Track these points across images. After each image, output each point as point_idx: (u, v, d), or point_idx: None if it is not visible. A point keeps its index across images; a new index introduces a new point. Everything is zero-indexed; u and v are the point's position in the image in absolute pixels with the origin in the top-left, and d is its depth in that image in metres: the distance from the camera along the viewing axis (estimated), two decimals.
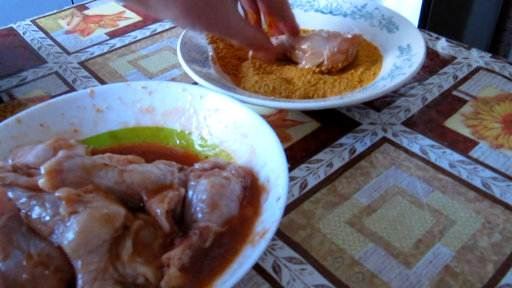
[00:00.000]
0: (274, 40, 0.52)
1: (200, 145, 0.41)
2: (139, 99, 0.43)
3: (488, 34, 1.66)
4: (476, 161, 0.42)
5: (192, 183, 0.33)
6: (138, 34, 0.66)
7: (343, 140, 0.45)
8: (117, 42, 0.64)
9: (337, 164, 0.42)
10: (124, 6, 0.65)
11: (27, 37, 0.67)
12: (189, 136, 0.41)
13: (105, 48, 0.63)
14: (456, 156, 0.42)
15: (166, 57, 0.60)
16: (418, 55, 0.47)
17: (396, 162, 0.42)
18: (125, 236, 0.29)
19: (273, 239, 0.36)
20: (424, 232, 0.36)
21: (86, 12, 0.74)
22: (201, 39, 0.54)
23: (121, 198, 0.31)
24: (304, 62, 0.50)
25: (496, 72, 0.53)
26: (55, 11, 0.74)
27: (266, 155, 0.35)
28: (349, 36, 0.50)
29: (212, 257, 0.30)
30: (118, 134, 0.42)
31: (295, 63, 0.51)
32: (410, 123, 0.46)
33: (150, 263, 0.29)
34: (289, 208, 0.38)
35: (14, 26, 0.70)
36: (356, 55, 0.53)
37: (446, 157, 0.42)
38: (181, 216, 0.33)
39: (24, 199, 0.30)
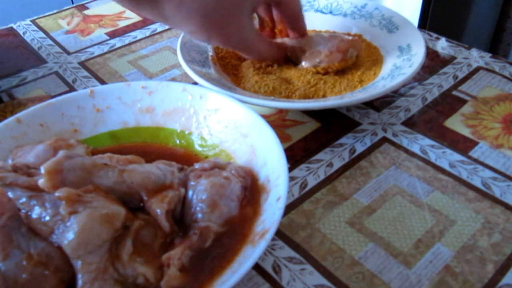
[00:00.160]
0: (277, 40, 0.52)
1: (200, 145, 0.41)
2: (139, 99, 0.43)
3: (488, 34, 1.66)
4: (476, 161, 0.42)
5: (192, 183, 0.33)
6: (138, 34, 0.66)
7: (343, 140, 0.45)
8: (117, 42, 0.64)
9: (337, 164, 0.42)
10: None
11: (27, 37, 0.67)
12: (189, 136, 0.41)
13: (105, 48, 0.63)
14: (456, 156, 0.42)
15: (166, 57, 0.60)
16: (418, 55, 0.47)
17: (396, 162, 0.42)
18: (125, 236, 0.29)
19: (273, 239, 0.36)
20: (424, 232, 0.36)
21: (86, 12, 0.74)
22: None
23: (121, 198, 0.31)
24: (303, 63, 0.50)
25: (496, 72, 0.53)
26: (55, 11, 0.74)
27: (266, 155, 0.35)
28: (349, 38, 0.50)
29: (212, 257, 0.30)
30: (118, 134, 0.42)
31: (295, 63, 0.51)
32: (410, 123, 0.46)
33: (150, 263, 0.29)
34: (289, 208, 0.38)
35: (14, 26, 0.70)
36: (356, 55, 0.53)
37: (446, 157, 0.42)
38: (181, 216, 0.33)
39: (24, 199, 0.30)
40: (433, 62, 0.55)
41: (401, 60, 0.48)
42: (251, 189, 0.34)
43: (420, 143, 0.44)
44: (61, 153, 0.31)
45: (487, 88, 0.51)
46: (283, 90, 0.47)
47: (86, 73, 0.58)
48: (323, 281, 0.33)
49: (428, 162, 0.42)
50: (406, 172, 0.41)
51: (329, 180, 0.41)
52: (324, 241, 0.35)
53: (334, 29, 0.57)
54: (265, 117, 0.42)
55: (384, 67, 0.49)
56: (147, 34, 0.66)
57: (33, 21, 0.71)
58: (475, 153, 0.42)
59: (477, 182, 0.39)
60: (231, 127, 0.39)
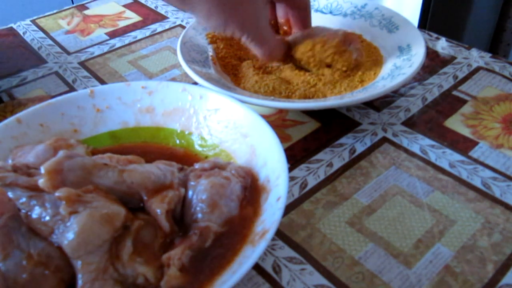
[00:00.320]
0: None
1: (200, 145, 0.41)
2: (139, 99, 0.43)
3: (488, 34, 1.66)
4: (476, 161, 0.42)
5: (192, 183, 0.33)
6: (138, 34, 0.66)
7: (343, 140, 0.45)
8: (117, 42, 0.64)
9: (337, 164, 0.42)
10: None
11: (27, 37, 0.67)
12: (189, 136, 0.41)
13: (105, 48, 0.63)
14: (456, 156, 0.42)
15: (166, 57, 0.60)
16: (418, 55, 0.46)
17: (396, 162, 0.42)
18: (125, 236, 0.29)
19: (273, 239, 0.36)
20: (424, 232, 0.36)
21: (86, 12, 0.74)
22: (201, 39, 0.54)
23: (121, 198, 0.31)
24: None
25: (496, 72, 0.53)
26: (55, 11, 0.74)
27: (266, 155, 0.35)
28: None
29: (212, 257, 0.30)
30: (118, 134, 0.42)
31: (297, 66, 0.51)
32: (410, 123, 0.46)
33: (150, 263, 0.29)
34: (289, 208, 0.38)
35: (14, 26, 0.70)
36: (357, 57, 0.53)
37: (446, 157, 0.42)
38: (181, 216, 0.33)
39: (24, 199, 0.30)
40: (433, 62, 0.55)
41: (401, 60, 0.48)
42: (251, 189, 0.34)
43: (420, 143, 0.44)
44: (61, 153, 0.31)
45: (487, 88, 0.51)
46: (283, 90, 0.47)
47: (86, 73, 0.58)
48: (323, 281, 0.33)
49: (428, 162, 0.42)
50: (406, 172, 0.41)
51: (329, 180, 0.41)
52: (324, 241, 0.35)
53: None
54: (265, 117, 0.42)
55: (384, 67, 0.49)
56: (147, 34, 0.66)
57: (33, 21, 0.71)
58: (475, 153, 0.42)
59: (477, 182, 0.39)
60: (231, 127, 0.39)
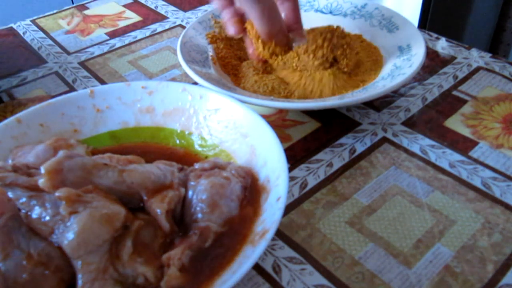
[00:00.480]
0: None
1: (200, 145, 0.41)
2: (139, 99, 0.43)
3: (488, 34, 1.66)
4: (476, 161, 0.42)
5: (192, 183, 0.33)
6: (138, 34, 0.66)
7: (343, 140, 0.45)
8: (117, 42, 0.64)
9: (337, 164, 0.42)
10: None
11: (27, 37, 0.67)
12: (189, 136, 0.41)
13: (105, 48, 0.63)
14: (456, 156, 0.42)
15: (166, 57, 0.60)
16: (418, 55, 0.46)
17: (396, 162, 0.42)
18: (125, 236, 0.29)
19: (273, 239, 0.36)
20: (424, 232, 0.36)
21: (86, 12, 0.74)
22: (201, 39, 0.54)
23: (121, 198, 0.31)
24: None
25: (496, 72, 0.53)
26: (55, 11, 0.74)
27: (266, 155, 0.35)
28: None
29: (212, 257, 0.30)
30: (118, 134, 0.42)
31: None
32: (410, 123, 0.46)
33: (150, 263, 0.29)
34: (289, 208, 0.38)
35: (14, 26, 0.70)
36: (356, 56, 0.53)
37: (446, 157, 0.42)
38: (181, 216, 0.33)
39: (24, 199, 0.30)
40: (433, 62, 0.55)
41: (401, 60, 0.48)
42: (251, 189, 0.34)
43: (420, 143, 0.44)
44: (61, 153, 0.31)
45: (487, 88, 0.51)
46: (282, 90, 0.47)
47: (86, 73, 0.58)
48: (323, 281, 0.33)
49: (428, 162, 0.42)
50: (406, 172, 0.41)
51: (329, 180, 0.41)
52: (324, 241, 0.35)
53: None
54: (265, 117, 0.42)
55: (384, 67, 0.49)
56: (147, 34, 0.66)
57: (33, 21, 0.71)
58: (475, 153, 0.42)
59: (477, 182, 0.39)
60: (231, 127, 0.39)
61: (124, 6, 0.75)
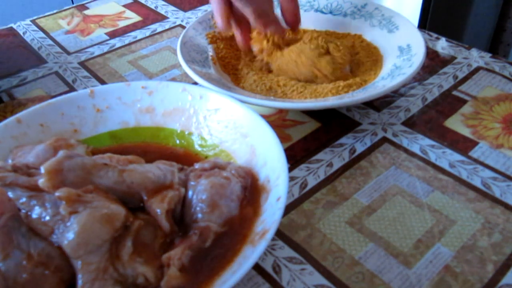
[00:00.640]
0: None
1: (200, 145, 0.41)
2: (139, 99, 0.43)
3: (488, 34, 1.66)
4: (476, 161, 0.42)
5: (192, 183, 0.33)
6: (138, 34, 0.66)
7: (343, 140, 0.45)
8: (117, 42, 0.64)
9: (337, 164, 0.42)
10: None
11: (27, 37, 0.67)
12: (189, 136, 0.41)
13: (105, 48, 0.63)
14: (456, 156, 0.42)
15: (166, 57, 0.60)
16: (418, 55, 0.46)
17: (396, 162, 0.42)
18: (125, 236, 0.29)
19: (273, 239, 0.36)
20: (424, 232, 0.36)
21: (86, 12, 0.74)
22: (201, 39, 0.54)
23: (121, 198, 0.31)
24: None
25: (496, 72, 0.53)
26: (55, 11, 0.74)
27: (266, 155, 0.35)
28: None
29: (212, 257, 0.30)
30: (118, 134, 0.42)
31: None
32: (410, 123, 0.46)
33: (150, 263, 0.29)
34: (289, 208, 0.38)
35: (14, 26, 0.70)
36: (356, 56, 0.53)
37: (446, 157, 0.42)
38: (181, 216, 0.33)
39: (24, 199, 0.30)
40: (433, 62, 0.55)
41: (401, 60, 0.48)
42: (251, 189, 0.34)
43: (420, 143, 0.44)
44: (61, 153, 0.31)
45: (487, 88, 0.51)
46: (279, 89, 0.47)
47: (86, 73, 0.58)
48: (323, 281, 0.33)
49: (428, 162, 0.42)
50: (406, 172, 0.41)
51: (329, 180, 0.41)
52: (324, 241, 0.35)
53: (334, 29, 0.57)
54: (265, 117, 0.42)
55: (384, 67, 0.49)
56: (147, 34, 0.66)
57: (33, 21, 0.71)
58: (475, 153, 0.42)
59: (477, 182, 0.39)
60: (231, 127, 0.39)
61: (124, 6, 0.75)
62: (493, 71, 0.53)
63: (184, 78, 0.55)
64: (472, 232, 0.35)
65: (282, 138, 0.45)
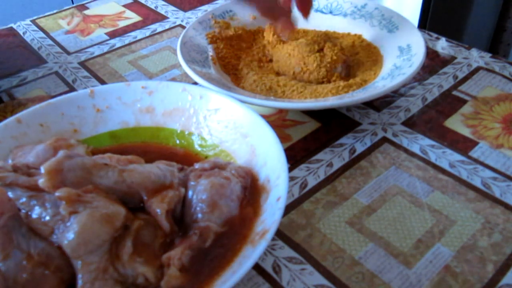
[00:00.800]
0: None
1: (200, 145, 0.41)
2: (139, 99, 0.43)
3: (488, 34, 1.66)
4: (476, 161, 0.42)
5: (192, 183, 0.33)
6: (138, 34, 0.66)
7: (343, 140, 0.45)
8: (117, 42, 0.64)
9: (337, 164, 0.42)
10: None
11: (27, 37, 0.67)
12: (189, 136, 0.41)
13: (105, 48, 0.63)
14: (456, 156, 0.42)
15: (166, 57, 0.60)
16: (418, 55, 0.46)
17: (396, 162, 0.42)
18: (125, 236, 0.29)
19: (273, 239, 0.36)
20: (424, 232, 0.36)
21: (86, 12, 0.74)
22: (201, 39, 0.54)
23: (121, 198, 0.31)
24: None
25: (496, 72, 0.53)
26: (55, 11, 0.74)
27: (266, 155, 0.35)
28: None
29: (212, 257, 0.30)
30: (118, 134, 0.42)
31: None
32: (410, 123, 0.46)
33: (150, 263, 0.29)
34: (289, 208, 0.38)
35: (14, 26, 0.70)
36: (356, 56, 0.53)
37: (446, 157, 0.42)
38: (181, 216, 0.33)
39: (24, 199, 0.30)
40: (433, 62, 0.55)
41: (401, 60, 0.48)
42: (251, 189, 0.34)
43: (420, 143, 0.44)
44: (61, 153, 0.31)
45: (487, 88, 0.51)
46: (279, 89, 0.47)
47: (86, 73, 0.58)
48: (323, 281, 0.33)
49: (428, 162, 0.42)
50: (406, 172, 0.41)
51: (329, 180, 0.41)
52: (324, 241, 0.35)
53: (334, 29, 0.57)
54: (265, 117, 0.42)
55: (384, 67, 0.49)
56: (147, 34, 0.66)
57: (33, 21, 0.71)
58: (475, 153, 0.42)
59: (477, 182, 0.39)
60: (231, 127, 0.39)
61: (124, 6, 0.75)
62: (493, 71, 0.53)
63: (184, 78, 0.55)
64: (472, 232, 0.35)
65: (282, 138, 0.45)
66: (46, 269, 0.28)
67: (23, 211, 0.29)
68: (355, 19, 0.57)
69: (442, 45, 0.58)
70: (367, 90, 0.45)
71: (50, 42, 0.65)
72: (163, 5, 0.74)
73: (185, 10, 0.72)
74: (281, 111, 0.49)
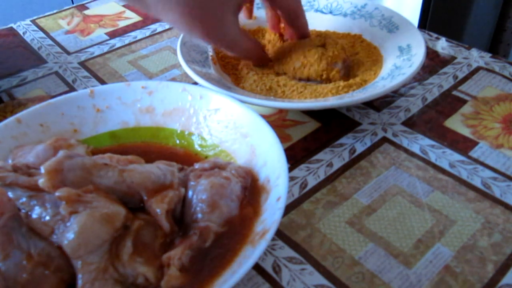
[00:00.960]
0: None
1: (200, 145, 0.41)
2: (139, 99, 0.43)
3: (488, 34, 1.66)
4: (476, 161, 0.42)
5: (192, 183, 0.33)
6: (138, 34, 0.66)
7: (343, 140, 0.45)
8: (117, 42, 0.64)
9: (337, 164, 0.42)
10: (125, 6, 0.65)
11: (27, 37, 0.67)
12: (189, 136, 0.41)
13: (105, 48, 0.63)
14: (456, 156, 0.42)
15: (166, 57, 0.60)
16: (418, 55, 0.47)
17: (396, 162, 0.42)
18: (125, 236, 0.29)
19: (273, 239, 0.36)
20: (424, 232, 0.36)
21: (86, 12, 0.74)
22: None
23: (121, 198, 0.31)
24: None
25: (496, 72, 0.53)
26: (55, 11, 0.74)
27: (266, 155, 0.35)
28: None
29: (212, 257, 0.30)
30: (118, 134, 0.42)
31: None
32: (410, 123, 0.46)
33: (150, 263, 0.29)
34: (289, 208, 0.38)
35: (14, 26, 0.70)
36: (356, 56, 0.53)
37: (446, 157, 0.42)
38: (181, 216, 0.33)
39: (24, 199, 0.30)
40: (433, 62, 0.55)
41: (401, 60, 0.48)
42: (251, 189, 0.34)
43: (420, 143, 0.44)
44: (61, 153, 0.31)
45: (487, 88, 0.51)
46: (279, 89, 0.47)
47: (86, 73, 0.58)
48: (323, 281, 0.33)
49: (428, 162, 0.42)
50: (406, 172, 0.41)
51: (329, 180, 0.41)
52: (324, 241, 0.35)
53: (334, 29, 0.57)
54: (265, 117, 0.42)
55: (384, 67, 0.49)
56: (147, 34, 0.66)
57: (33, 21, 0.71)
58: (475, 153, 0.42)
59: (477, 182, 0.39)
60: (231, 127, 0.39)
61: (124, 6, 0.75)
62: (493, 71, 0.53)
63: (184, 78, 0.55)
64: (472, 232, 0.35)
65: (282, 138, 0.45)
66: (46, 269, 0.28)
67: (23, 211, 0.29)
68: (355, 19, 0.57)
69: (442, 45, 0.58)
70: (367, 90, 0.45)
71: (50, 42, 0.65)
72: None
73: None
74: (281, 111, 0.49)
